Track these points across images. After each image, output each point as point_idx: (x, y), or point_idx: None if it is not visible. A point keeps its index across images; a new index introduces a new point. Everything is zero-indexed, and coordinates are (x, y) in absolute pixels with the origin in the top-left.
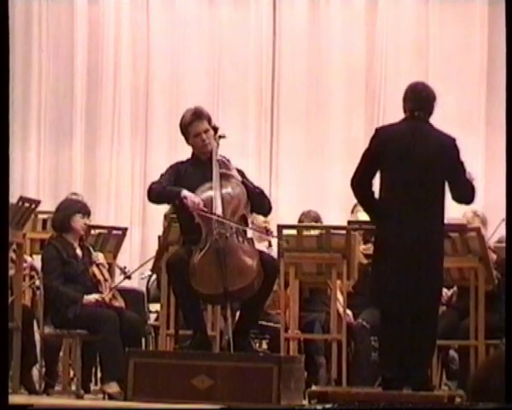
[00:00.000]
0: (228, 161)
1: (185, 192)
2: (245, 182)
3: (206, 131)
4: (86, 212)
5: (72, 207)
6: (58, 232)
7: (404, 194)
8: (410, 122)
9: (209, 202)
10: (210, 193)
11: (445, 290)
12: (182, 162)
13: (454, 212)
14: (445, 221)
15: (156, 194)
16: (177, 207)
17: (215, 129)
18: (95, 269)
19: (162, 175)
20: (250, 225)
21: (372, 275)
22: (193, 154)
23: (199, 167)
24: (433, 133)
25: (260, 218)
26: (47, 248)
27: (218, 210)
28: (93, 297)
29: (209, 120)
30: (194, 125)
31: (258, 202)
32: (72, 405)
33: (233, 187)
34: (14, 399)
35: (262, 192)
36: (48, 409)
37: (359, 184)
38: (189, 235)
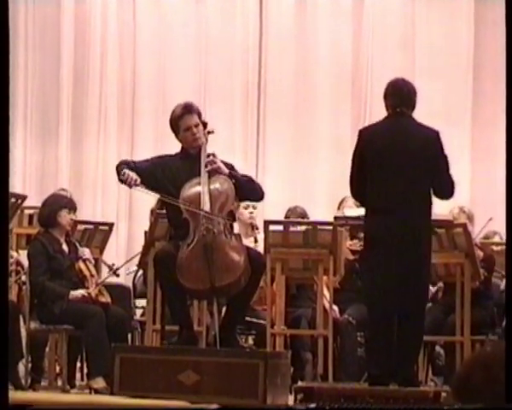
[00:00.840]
0: (213, 155)
1: (126, 169)
2: (232, 173)
3: (196, 126)
4: (72, 207)
5: (59, 203)
6: (44, 228)
7: (390, 190)
8: (392, 119)
9: (197, 198)
10: (198, 188)
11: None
12: (170, 156)
13: (440, 207)
14: (432, 217)
15: (116, 167)
16: (165, 201)
17: (204, 124)
18: (81, 264)
19: (146, 160)
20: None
21: (360, 271)
22: (182, 148)
23: (187, 162)
24: (415, 127)
25: (246, 214)
26: (33, 243)
27: (206, 206)
28: (79, 293)
29: (199, 115)
30: (185, 118)
31: (249, 188)
32: (60, 400)
33: (221, 183)
34: None
35: (251, 179)
36: (47, 409)
37: (358, 192)
38: (177, 229)
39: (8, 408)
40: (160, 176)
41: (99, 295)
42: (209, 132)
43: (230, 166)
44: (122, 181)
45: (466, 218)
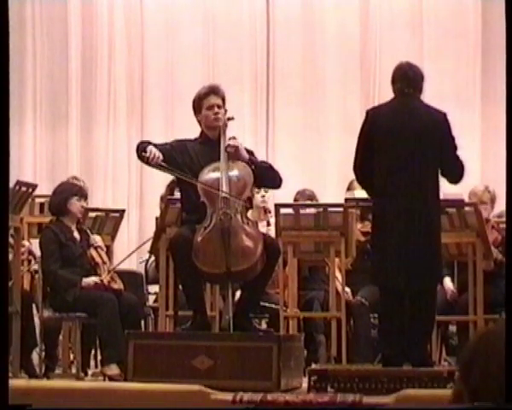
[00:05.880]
0: (235, 138)
1: (151, 146)
2: (252, 159)
3: (219, 107)
4: (83, 195)
5: (69, 191)
6: (55, 216)
7: (397, 170)
8: (399, 99)
9: (215, 183)
10: (217, 173)
11: None
12: (190, 140)
13: (464, 186)
14: (442, 197)
15: (136, 147)
16: (180, 185)
17: (225, 111)
18: (93, 252)
19: (166, 143)
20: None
21: (371, 252)
22: (201, 133)
23: (206, 147)
24: (423, 108)
25: (258, 198)
26: (44, 231)
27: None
28: (92, 280)
29: (223, 100)
30: (210, 97)
31: (268, 175)
32: (75, 387)
33: (240, 169)
34: (15, 383)
35: (271, 166)
36: (47, 409)
37: (360, 168)
38: (191, 214)
39: (8, 408)
40: (180, 159)
41: (111, 282)
42: (229, 119)
43: (250, 153)
44: (144, 158)
45: (489, 198)
